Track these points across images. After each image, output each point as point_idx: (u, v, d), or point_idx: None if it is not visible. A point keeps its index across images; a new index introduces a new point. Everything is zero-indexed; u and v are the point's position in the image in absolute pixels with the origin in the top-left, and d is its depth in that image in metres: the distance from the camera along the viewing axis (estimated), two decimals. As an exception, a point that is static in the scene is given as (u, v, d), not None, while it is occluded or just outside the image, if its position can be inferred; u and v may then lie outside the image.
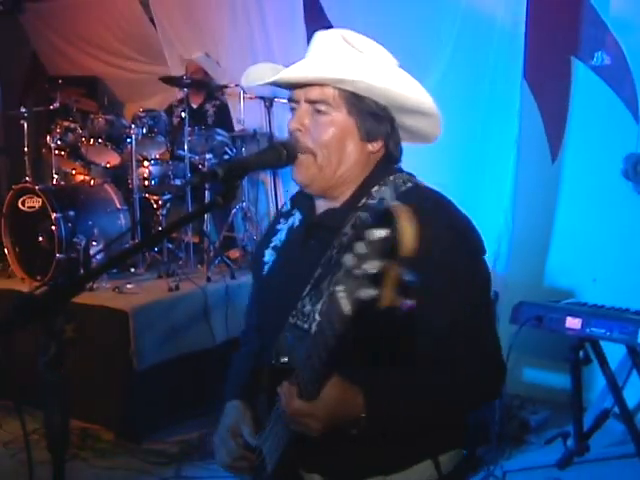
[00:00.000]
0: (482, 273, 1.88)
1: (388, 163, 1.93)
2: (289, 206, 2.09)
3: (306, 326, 1.81)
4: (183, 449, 4.62)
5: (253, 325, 2.18)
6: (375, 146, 1.88)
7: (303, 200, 2.00)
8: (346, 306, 1.40)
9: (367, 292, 1.35)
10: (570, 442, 4.21)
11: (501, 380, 1.91)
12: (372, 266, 1.32)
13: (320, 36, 1.89)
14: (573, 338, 4.11)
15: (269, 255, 2.05)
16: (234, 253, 6.32)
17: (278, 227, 2.08)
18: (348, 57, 1.83)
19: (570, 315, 4.04)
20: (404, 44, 5.30)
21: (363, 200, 1.86)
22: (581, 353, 4.10)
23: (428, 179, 1.94)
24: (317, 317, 1.78)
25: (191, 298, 5.24)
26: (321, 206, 1.94)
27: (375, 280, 1.34)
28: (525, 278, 5.12)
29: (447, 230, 1.78)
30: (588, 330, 3.98)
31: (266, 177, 6.58)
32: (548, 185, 5.25)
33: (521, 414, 4.80)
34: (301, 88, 1.85)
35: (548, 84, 5.23)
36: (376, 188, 1.87)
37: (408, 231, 1.32)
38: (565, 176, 5.22)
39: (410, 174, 1.93)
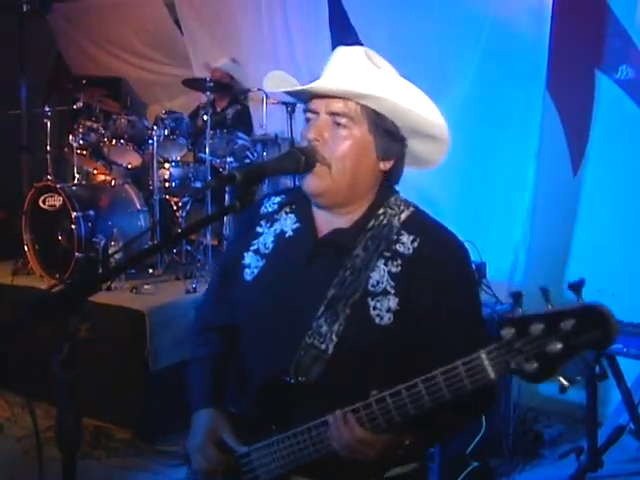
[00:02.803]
0: (478, 297, 2.02)
1: (389, 182, 1.96)
2: (272, 209, 2.05)
3: (323, 346, 1.82)
4: (195, 451, 4.61)
5: (217, 326, 2.15)
6: (387, 165, 1.90)
7: (302, 209, 1.99)
8: (491, 373, 1.53)
9: (532, 366, 1.47)
10: (584, 457, 4.17)
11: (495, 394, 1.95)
12: (554, 348, 1.45)
13: (343, 51, 1.90)
14: (590, 353, 4.07)
15: (252, 259, 2.00)
16: (252, 257, 6.31)
17: (259, 230, 2.03)
18: (374, 74, 1.84)
19: (587, 329, 4.00)
20: (429, 53, 5.37)
21: (372, 222, 1.89)
22: (597, 368, 4.07)
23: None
24: (334, 338, 1.81)
25: (208, 301, 5.24)
26: (324, 221, 1.94)
27: (542, 357, 1.46)
28: (542, 290, 5.08)
29: (453, 260, 1.89)
30: (605, 345, 3.94)
31: (286, 182, 6.58)
32: (568, 198, 5.22)
33: (535, 427, 4.78)
34: (321, 99, 1.85)
35: (571, 97, 5.20)
36: (382, 210, 1.91)
37: (614, 329, 1.44)
38: (586, 190, 5.18)
39: (403, 197, 1.97)
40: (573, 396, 4.81)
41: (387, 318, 1.81)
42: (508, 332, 1.49)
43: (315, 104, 1.87)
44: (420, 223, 1.91)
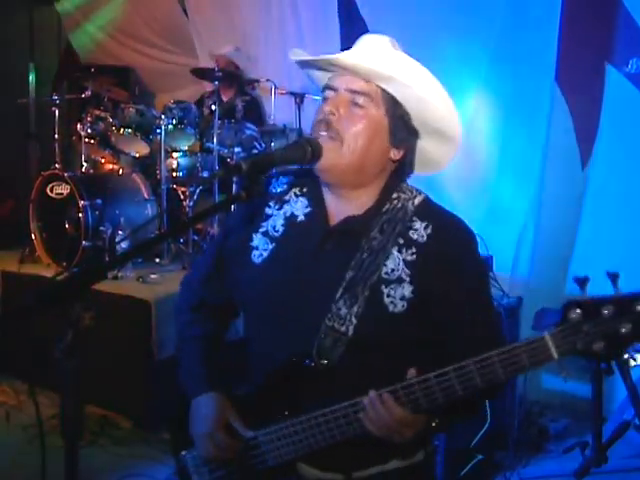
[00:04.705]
0: (489, 279, 2.22)
1: (400, 175, 1.96)
2: (282, 189, 2.04)
3: (343, 329, 1.83)
4: (200, 441, 4.62)
5: (210, 304, 2.15)
6: (397, 154, 1.91)
7: (314, 194, 1.98)
8: (554, 353, 1.61)
9: (599, 345, 1.57)
10: (588, 452, 4.16)
11: None
12: (624, 328, 1.55)
13: (369, 37, 1.92)
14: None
15: (260, 241, 1.98)
16: (259, 247, 6.31)
17: (268, 211, 2.02)
18: (398, 61, 1.85)
19: (594, 324, 3.99)
20: (438, 45, 5.35)
21: (387, 206, 1.90)
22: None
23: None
24: (354, 320, 1.82)
25: (214, 290, 5.24)
26: (335, 207, 1.94)
27: (611, 337, 1.56)
28: (548, 284, 5.07)
29: (467, 246, 1.93)
30: (611, 340, 3.93)
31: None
32: (576, 192, 5.19)
33: (540, 421, 4.76)
34: (342, 77, 1.87)
35: (581, 89, 5.17)
36: (395, 195, 1.92)
37: None
38: (594, 183, 5.16)
39: (412, 185, 1.99)
40: (579, 390, 4.81)
41: (401, 305, 1.82)
42: (575, 314, 1.57)
43: (335, 81, 1.88)
44: (432, 210, 1.93)
